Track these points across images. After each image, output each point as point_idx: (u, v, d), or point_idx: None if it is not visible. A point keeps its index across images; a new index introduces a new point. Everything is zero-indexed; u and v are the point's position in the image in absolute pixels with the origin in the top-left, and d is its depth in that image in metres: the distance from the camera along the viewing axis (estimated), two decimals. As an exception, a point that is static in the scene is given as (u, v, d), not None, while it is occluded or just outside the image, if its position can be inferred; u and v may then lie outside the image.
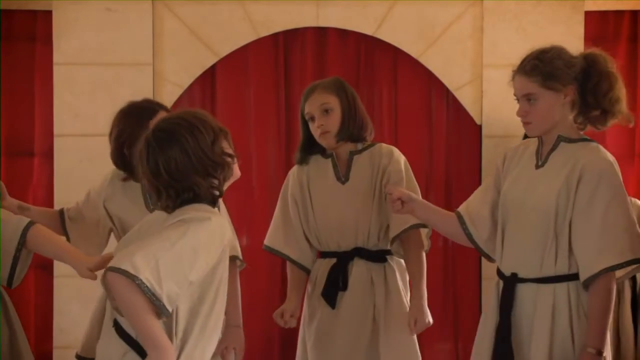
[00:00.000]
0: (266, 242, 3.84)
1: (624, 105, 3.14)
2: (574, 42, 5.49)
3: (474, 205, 3.29)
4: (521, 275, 3.04)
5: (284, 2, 5.44)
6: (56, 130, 5.39)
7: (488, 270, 5.47)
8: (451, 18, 5.49)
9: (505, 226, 3.12)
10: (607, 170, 3.02)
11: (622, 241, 2.97)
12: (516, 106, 5.35)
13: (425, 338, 5.65)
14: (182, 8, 5.43)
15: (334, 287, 3.66)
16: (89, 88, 5.32)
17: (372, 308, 3.66)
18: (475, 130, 5.50)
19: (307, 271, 3.77)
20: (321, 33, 5.55)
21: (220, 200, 2.96)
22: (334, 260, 3.70)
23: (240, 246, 5.58)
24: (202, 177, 2.68)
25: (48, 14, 5.47)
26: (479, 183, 5.49)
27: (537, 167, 3.10)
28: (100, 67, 5.35)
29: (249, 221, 5.53)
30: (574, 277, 3.01)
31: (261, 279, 5.42)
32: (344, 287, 3.66)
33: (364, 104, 5.59)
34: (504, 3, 5.47)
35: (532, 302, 3.02)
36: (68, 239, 3.71)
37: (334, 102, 3.68)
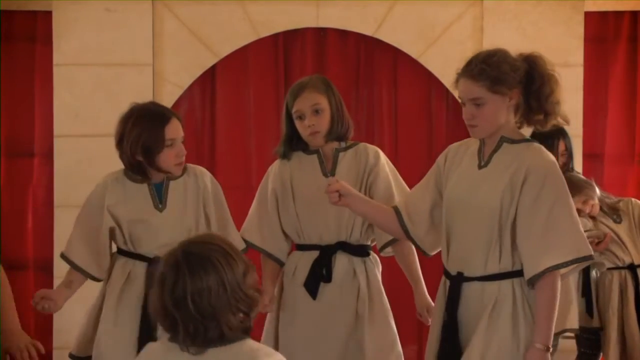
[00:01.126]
0: (241, 233, 3.91)
1: (561, 107, 3.19)
2: (573, 43, 5.50)
3: (413, 201, 3.33)
4: (467, 274, 3.08)
5: (283, 2, 5.45)
6: (56, 130, 5.39)
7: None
8: (451, 18, 5.49)
9: (450, 226, 3.14)
10: (552, 171, 3.07)
11: (565, 240, 3.02)
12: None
13: (426, 339, 5.64)
14: (182, 8, 5.43)
15: (317, 278, 3.74)
16: (89, 88, 5.32)
17: (355, 300, 3.73)
18: (475, 131, 5.50)
19: (281, 264, 3.86)
20: (321, 33, 5.55)
21: None
22: (314, 252, 3.77)
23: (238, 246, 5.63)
24: (233, 313, 2.30)
25: (48, 14, 5.47)
26: (479, 183, 5.50)
27: (480, 167, 3.12)
28: (100, 68, 5.36)
29: (249, 221, 5.54)
30: (517, 273, 3.07)
31: (260, 278, 5.41)
32: (329, 279, 3.74)
33: (363, 104, 5.63)
34: (504, 3, 5.47)
35: (478, 300, 3.06)
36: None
37: (324, 103, 3.73)
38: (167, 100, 5.35)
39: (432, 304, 3.79)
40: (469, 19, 5.50)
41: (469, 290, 3.08)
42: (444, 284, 3.20)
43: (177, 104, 5.43)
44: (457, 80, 3.10)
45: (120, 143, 3.63)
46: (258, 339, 4.46)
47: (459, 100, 3.13)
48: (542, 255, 2.99)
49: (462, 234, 3.10)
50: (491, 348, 3.01)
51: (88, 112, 5.35)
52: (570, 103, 5.35)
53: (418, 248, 3.39)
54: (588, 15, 5.59)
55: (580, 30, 5.51)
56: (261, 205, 3.88)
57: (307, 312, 3.76)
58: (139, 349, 3.62)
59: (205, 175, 3.80)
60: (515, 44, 5.42)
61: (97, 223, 3.70)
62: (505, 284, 3.05)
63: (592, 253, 3.07)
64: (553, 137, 5.06)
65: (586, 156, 5.64)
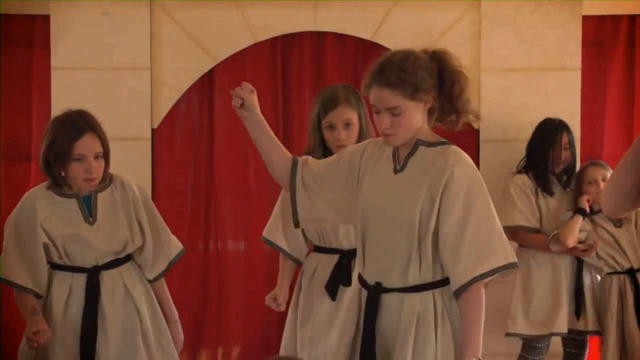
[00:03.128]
0: (264, 234, 4.13)
1: (472, 105, 3.09)
2: (571, 47, 5.50)
3: (314, 163, 3.15)
4: (385, 284, 2.99)
5: (281, 6, 5.44)
6: (54, 134, 5.38)
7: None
8: (449, 22, 5.49)
9: (366, 234, 3.03)
10: (474, 176, 2.99)
11: (489, 249, 2.96)
12: (514, 111, 5.42)
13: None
14: (180, 12, 5.43)
15: (338, 282, 3.95)
16: (87, 92, 5.31)
17: None
18: (473, 135, 5.50)
19: (299, 263, 4.11)
20: (319, 37, 5.55)
21: None
22: (333, 256, 3.99)
23: (238, 250, 5.63)
24: None
25: (46, 18, 5.47)
26: (477, 187, 5.49)
27: (396, 171, 3.02)
28: (98, 72, 5.35)
29: (247, 225, 5.53)
30: (437, 284, 3.00)
31: (259, 281, 5.41)
32: (349, 283, 3.94)
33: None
34: (502, 7, 5.47)
35: (396, 311, 2.98)
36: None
37: (355, 118, 3.95)
38: (165, 104, 5.35)
39: None
40: (466, 23, 5.50)
41: (388, 302, 2.99)
42: (359, 292, 3.11)
43: (175, 107, 5.42)
44: (368, 86, 2.97)
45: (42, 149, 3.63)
46: (277, 338, 4.49)
47: (373, 109, 3.01)
48: (466, 266, 2.92)
49: (380, 244, 2.99)
50: None
51: (86, 116, 5.35)
52: (568, 107, 5.36)
53: (293, 212, 3.16)
54: (586, 19, 5.59)
55: (577, 33, 5.51)
56: (284, 206, 4.01)
57: (324, 311, 3.96)
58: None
59: (132, 182, 3.80)
60: (512, 48, 5.46)
61: (31, 240, 3.65)
62: (426, 295, 2.98)
63: (516, 260, 3.00)
64: (557, 131, 5.07)
65: (584, 160, 5.63)
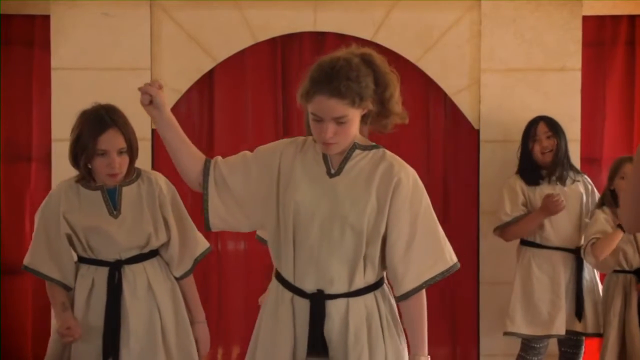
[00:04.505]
0: (257, 232, 3.95)
1: (400, 106, 3.04)
2: (571, 47, 5.50)
3: (226, 164, 3.04)
4: (329, 292, 2.94)
5: (281, 6, 5.45)
6: (54, 134, 5.39)
7: (486, 275, 5.47)
8: (449, 23, 5.49)
9: (298, 238, 2.94)
10: (417, 180, 3.00)
11: (439, 251, 2.99)
12: (514, 111, 5.42)
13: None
14: (180, 12, 5.43)
15: None
16: (87, 93, 5.30)
17: None
18: (473, 135, 5.50)
19: None
20: (319, 37, 5.55)
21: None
22: None
23: (238, 250, 5.63)
24: None
25: (46, 18, 5.47)
26: (477, 188, 5.50)
27: (331, 175, 2.97)
28: (98, 72, 5.35)
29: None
30: (378, 284, 3.01)
31: (259, 281, 5.40)
32: None
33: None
34: (502, 8, 5.47)
35: (343, 317, 2.95)
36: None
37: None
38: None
39: None
40: (466, 24, 5.50)
41: (333, 308, 2.94)
42: (290, 301, 2.98)
43: (174, 108, 5.42)
44: (309, 95, 2.87)
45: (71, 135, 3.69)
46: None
47: (313, 118, 2.89)
48: (418, 269, 2.96)
49: (320, 250, 2.92)
50: None
51: (86, 117, 5.35)
52: (568, 107, 5.36)
53: (205, 214, 3.05)
54: (586, 20, 5.59)
55: (578, 34, 5.51)
56: None
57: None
58: (104, 358, 3.63)
59: (160, 179, 3.82)
60: (513, 48, 5.46)
61: (56, 231, 3.70)
62: (370, 298, 2.98)
63: (457, 260, 3.03)
64: (532, 124, 5.08)
65: (584, 160, 5.64)
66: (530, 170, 5.07)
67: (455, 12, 5.49)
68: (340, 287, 2.94)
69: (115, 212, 3.68)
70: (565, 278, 5.01)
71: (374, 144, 3.05)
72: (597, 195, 5.17)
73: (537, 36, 5.48)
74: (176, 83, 5.42)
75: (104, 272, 3.69)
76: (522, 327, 5.01)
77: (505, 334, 5.06)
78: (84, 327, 3.67)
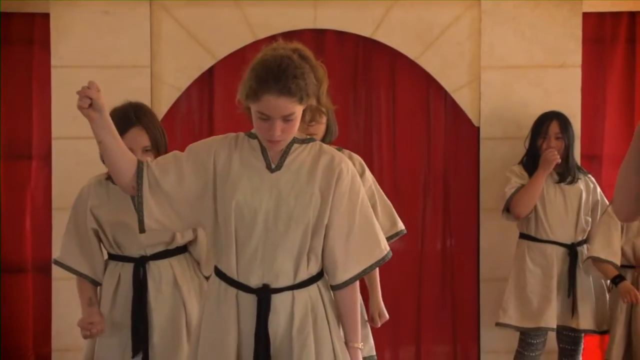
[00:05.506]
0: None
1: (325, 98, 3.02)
2: (571, 44, 5.50)
3: (158, 166, 3.01)
4: (274, 285, 2.95)
5: (281, 4, 5.44)
6: (54, 132, 5.39)
7: (487, 271, 5.47)
8: (449, 20, 5.49)
9: (240, 234, 2.94)
10: (354, 171, 3.04)
11: (375, 240, 3.04)
12: (514, 108, 5.42)
13: (424, 340, 5.65)
14: (179, 10, 5.43)
15: None
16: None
17: None
18: (473, 132, 5.50)
19: None
20: (319, 35, 5.55)
21: None
22: None
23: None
24: None
25: (46, 16, 5.47)
26: (477, 185, 5.50)
27: (272, 170, 2.98)
28: (98, 70, 5.35)
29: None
30: (319, 275, 3.04)
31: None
32: None
33: (362, 106, 5.63)
34: (502, 5, 5.47)
35: (287, 310, 2.96)
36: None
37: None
38: (165, 102, 5.35)
39: (384, 309, 4.01)
40: (466, 21, 5.50)
41: (279, 301, 2.95)
42: (235, 297, 2.97)
43: (175, 105, 5.42)
44: (257, 95, 2.87)
45: None
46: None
47: (259, 117, 2.90)
48: (356, 258, 3.01)
49: (264, 245, 2.93)
50: (324, 355, 2.97)
51: (86, 115, 5.35)
52: (569, 104, 5.36)
53: (139, 218, 3.00)
54: (586, 17, 5.59)
55: (578, 31, 5.51)
56: None
57: None
58: (133, 353, 3.64)
59: None
60: (513, 46, 5.46)
61: (85, 226, 3.73)
62: (314, 288, 3.00)
63: (389, 249, 3.07)
64: (545, 122, 5.08)
65: (584, 157, 5.64)
66: (533, 164, 5.07)
67: (455, 9, 5.48)
68: (285, 280, 2.96)
69: None
70: (558, 272, 5.02)
71: (309, 137, 3.08)
72: (600, 193, 5.17)
73: (537, 33, 5.47)
74: (176, 81, 5.42)
75: (129, 268, 3.71)
76: (514, 318, 5.04)
77: (498, 324, 5.09)
78: (110, 323, 3.69)
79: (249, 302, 2.96)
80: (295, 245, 2.94)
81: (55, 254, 3.84)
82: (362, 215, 3.02)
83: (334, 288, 3.04)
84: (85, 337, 3.68)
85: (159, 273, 3.72)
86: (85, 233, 3.74)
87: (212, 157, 3.01)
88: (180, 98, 5.46)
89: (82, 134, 5.27)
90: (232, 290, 2.98)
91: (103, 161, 3.70)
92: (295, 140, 3.01)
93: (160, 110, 5.36)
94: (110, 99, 5.32)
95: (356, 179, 3.03)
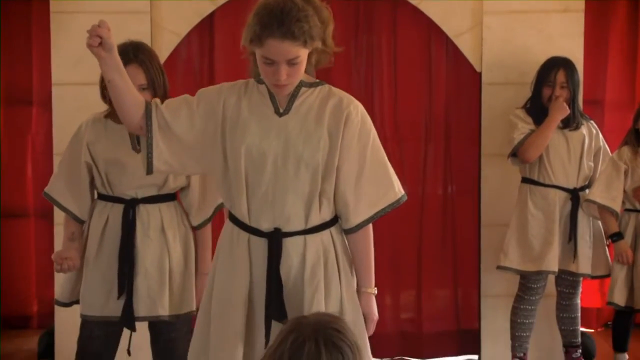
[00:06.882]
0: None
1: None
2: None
3: (167, 107, 3.00)
4: (286, 229, 2.96)
5: (282, -52, 5.38)
6: (54, 78, 5.37)
7: (487, 217, 5.49)
8: (451, -36, 5.44)
9: (251, 179, 2.95)
10: (364, 112, 3.02)
11: (388, 182, 3.03)
12: (516, 53, 5.39)
13: (425, 284, 5.69)
14: (179, -45, 5.38)
15: None
16: (87, 37, 5.27)
17: None
18: (475, 78, 5.48)
19: None
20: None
21: None
22: None
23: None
24: None
25: (44, -39, 5.43)
26: (479, 131, 5.49)
27: (280, 114, 2.98)
28: (97, 16, 5.19)
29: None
30: (333, 221, 3.03)
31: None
32: None
33: (363, 52, 5.60)
34: (504, -51, 5.42)
35: (299, 254, 2.97)
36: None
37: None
38: (165, 48, 5.33)
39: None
40: (469, -35, 5.45)
41: (291, 245, 2.96)
42: (247, 242, 2.98)
43: (175, 52, 5.40)
44: (260, 39, 2.85)
45: None
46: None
47: (264, 61, 2.88)
48: (369, 201, 3.00)
49: (275, 189, 2.94)
50: (331, 300, 2.97)
51: (86, 61, 5.30)
52: (571, 49, 5.33)
53: (148, 158, 2.98)
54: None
55: (580, -21, 5.46)
56: None
57: None
58: (119, 293, 3.68)
59: None
60: (515, -10, 5.41)
61: (78, 161, 3.76)
62: (326, 234, 3.00)
63: (404, 193, 3.05)
64: (552, 69, 5.06)
65: (587, 102, 5.63)
66: (537, 110, 5.06)
67: (458, -47, 5.43)
68: (297, 224, 2.96)
69: (138, 148, 3.71)
70: (560, 216, 5.04)
71: (318, 80, 3.06)
72: (602, 139, 5.18)
73: (540, -23, 5.43)
74: (176, 27, 5.39)
75: (119, 209, 3.74)
76: (515, 262, 5.06)
77: (499, 267, 5.12)
78: (97, 264, 3.72)
79: (261, 246, 2.97)
80: (305, 189, 2.94)
81: (47, 187, 3.87)
82: (374, 157, 3.01)
83: (347, 232, 3.04)
84: (57, 270, 3.74)
85: (148, 217, 3.74)
86: (77, 169, 3.75)
87: (221, 102, 3.01)
88: (180, 44, 5.43)
89: (83, 80, 5.26)
90: (244, 235, 2.99)
91: (109, 101, 3.71)
92: (303, 84, 3.00)
93: (161, 56, 5.30)
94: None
95: (366, 120, 3.01)
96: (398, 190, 3.05)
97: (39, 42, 5.62)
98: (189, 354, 3.11)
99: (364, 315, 3.07)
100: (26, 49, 5.73)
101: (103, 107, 3.84)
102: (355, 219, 3.01)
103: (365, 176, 2.99)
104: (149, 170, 2.99)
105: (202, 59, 5.55)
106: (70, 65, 5.25)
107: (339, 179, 2.97)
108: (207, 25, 5.48)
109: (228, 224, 3.06)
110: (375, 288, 3.09)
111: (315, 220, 2.98)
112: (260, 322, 2.97)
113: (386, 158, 3.05)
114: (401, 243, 5.65)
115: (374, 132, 3.03)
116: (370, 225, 3.05)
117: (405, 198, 3.07)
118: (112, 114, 3.73)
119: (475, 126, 5.50)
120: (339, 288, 3.00)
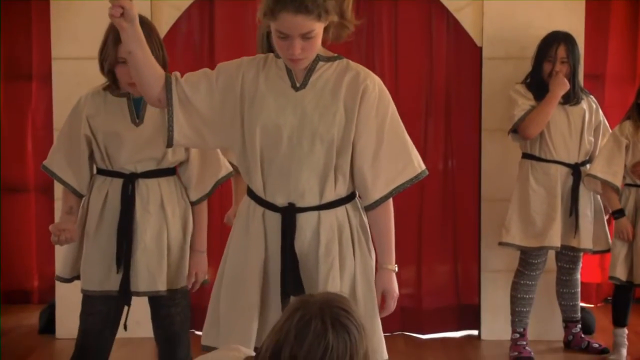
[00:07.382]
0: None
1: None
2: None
3: (187, 81, 2.98)
4: (300, 205, 2.95)
5: None
6: (54, 53, 5.36)
7: (488, 192, 5.49)
8: (452, -62, 5.42)
9: (266, 154, 2.94)
10: (382, 87, 2.99)
11: (407, 157, 3.00)
12: (517, 28, 5.37)
13: (425, 259, 5.70)
14: None
15: None
16: (86, 11, 5.26)
17: None
18: (476, 52, 5.47)
19: None
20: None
21: None
22: None
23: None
24: None
25: None
26: (479, 105, 5.48)
27: (297, 89, 2.96)
28: (97, -11, 5.30)
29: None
30: (349, 197, 3.01)
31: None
32: None
33: (363, 25, 5.56)
34: None
35: (314, 230, 2.96)
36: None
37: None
38: (166, 22, 5.31)
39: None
40: (470, -62, 5.42)
41: (304, 221, 2.95)
42: (262, 216, 2.98)
43: (175, 25, 5.38)
44: (274, 13, 2.81)
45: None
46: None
47: (278, 35, 2.84)
48: (387, 177, 2.97)
49: (290, 164, 2.93)
50: (344, 277, 2.97)
51: (86, 35, 5.30)
52: (571, 23, 5.31)
53: (169, 131, 2.97)
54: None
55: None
56: None
57: None
58: (117, 268, 3.69)
59: None
60: (516, -37, 5.39)
61: (77, 134, 3.74)
62: (341, 210, 2.99)
63: (425, 168, 3.03)
64: (552, 44, 5.04)
65: (587, 76, 5.62)
66: (537, 85, 5.05)
67: None
68: (311, 200, 2.95)
69: (137, 121, 3.70)
70: (561, 192, 5.04)
71: (336, 54, 3.04)
72: (602, 114, 5.17)
73: (541, -49, 5.40)
74: (176, 0, 5.37)
75: (118, 183, 3.73)
76: (517, 238, 5.07)
77: (500, 244, 5.12)
78: (97, 239, 3.72)
79: (275, 220, 2.97)
80: (320, 164, 2.93)
81: (46, 160, 3.86)
82: (392, 132, 2.98)
83: (367, 209, 3.02)
84: (54, 242, 3.75)
85: (147, 192, 3.74)
86: (77, 142, 3.74)
87: (240, 77, 2.99)
88: (180, 18, 5.41)
89: (82, 55, 5.25)
90: (260, 209, 2.99)
91: (108, 74, 3.70)
92: (320, 58, 2.98)
93: (161, 30, 5.30)
94: (109, 19, 5.28)
95: (384, 95, 2.98)
96: (418, 165, 3.02)
97: (39, 16, 5.60)
98: (204, 326, 3.11)
99: (384, 292, 3.05)
100: (26, 24, 5.71)
101: (103, 81, 3.83)
102: (373, 195, 2.98)
103: (383, 151, 2.96)
104: (170, 143, 2.98)
105: (202, 33, 5.53)
106: (71, 40, 5.24)
107: (355, 154, 2.96)
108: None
109: (246, 199, 3.06)
110: (396, 265, 3.07)
111: (330, 196, 2.97)
112: (274, 297, 2.97)
113: (405, 133, 3.02)
114: (401, 218, 5.60)
115: (392, 106, 3.00)
116: (391, 201, 3.02)
117: (426, 173, 3.03)
118: (111, 87, 3.73)
119: (476, 101, 5.49)
120: (353, 264, 2.99)
